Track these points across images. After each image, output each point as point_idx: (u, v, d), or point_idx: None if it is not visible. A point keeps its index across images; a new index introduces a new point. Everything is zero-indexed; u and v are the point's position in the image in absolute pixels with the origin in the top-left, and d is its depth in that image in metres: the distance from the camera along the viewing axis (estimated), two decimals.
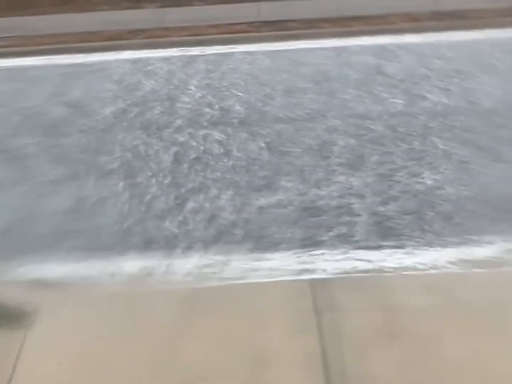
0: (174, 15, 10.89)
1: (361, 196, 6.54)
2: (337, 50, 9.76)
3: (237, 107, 8.42)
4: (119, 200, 6.73)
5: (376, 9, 10.53)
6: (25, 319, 5.06)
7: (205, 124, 8.09)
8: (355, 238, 5.97)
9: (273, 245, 5.94)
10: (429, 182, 6.71)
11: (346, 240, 5.96)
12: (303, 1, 10.90)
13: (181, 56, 9.95)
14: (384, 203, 6.43)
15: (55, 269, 5.71)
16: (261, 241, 6.03)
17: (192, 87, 9.02)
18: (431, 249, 5.78)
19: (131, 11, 11.06)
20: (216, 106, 8.47)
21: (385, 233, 6.04)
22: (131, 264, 5.76)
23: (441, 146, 7.29)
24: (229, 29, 10.42)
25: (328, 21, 10.45)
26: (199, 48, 10.08)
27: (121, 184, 6.98)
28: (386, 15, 10.44)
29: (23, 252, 5.99)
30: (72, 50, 10.24)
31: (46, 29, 10.87)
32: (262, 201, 6.58)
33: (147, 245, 6.06)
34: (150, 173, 7.13)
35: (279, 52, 9.85)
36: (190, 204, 6.59)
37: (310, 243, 5.96)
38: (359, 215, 6.28)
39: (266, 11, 10.80)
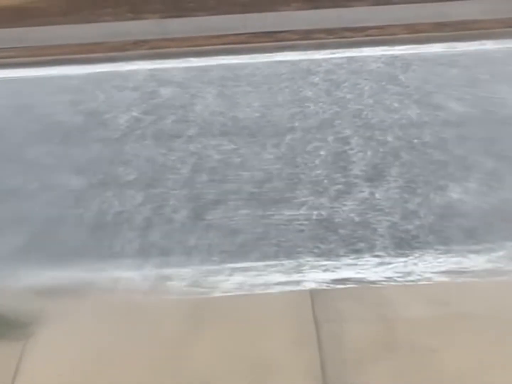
0: (177, 26, 10.91)
1: (380, 209, 6.52)
2: (347, 59, 9.81)
3: (248, 117, 8.44)
4: (135, 211, 6.73)
5: (378, 20, 10.54)
6: (25, 329, 5.04)
7: (217, 134, 8.10)
8: (371, 251, 5.95)
9: (281, 257, 5.94)
10: (450, 194, 6.67)
11: (359, 253, 5.96)
12: (304, 11, 10.92)
13: (191, 66, 10.01)
14: (403, 216, 6.40)
15: (57, 278, 5.70)
16: (273, 254, 6.02)
17: (207, 96, 9.05)
18: (435, 260, 5.77)
19: (134, 22, 11.08)
20: (228, 116, 8.49)
21: (399, 246, 6.02)
22: (137, 274, 5.77)
23: (460, 157, 7.25)
24: (232, 39, 10.44)
25: (329, 32, 10.47)
26: (204, 58, 10.12)
27: (139, 195, 6.98)
28: (387, 26, 10.46)
29: (27, 261, 5.99)
30: (75, 61, 10.30)
31: (50, 40, 10.89)
32: (279, 213, 6.55)
33: (158, 255, 6.07)
34: (167, 184, 7.14)
35: (286, 62, 9.88)
36: (205, 217, 6.58)
37: (320, 255, 5.95)
38: (376, 229, 6.25)
39: (268, 22, 10.81)
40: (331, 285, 5.49)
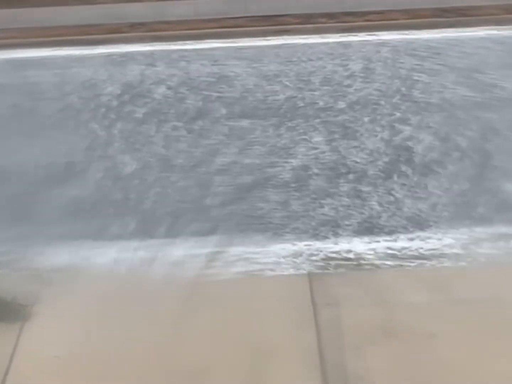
0: (174, 9, 10.85)
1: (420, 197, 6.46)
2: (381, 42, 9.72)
3: (286, 97, 8.32)
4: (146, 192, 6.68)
5: (378, 6, 10.49)
6: (21, 312, 5.04)
7: (259, 115, 7.99)
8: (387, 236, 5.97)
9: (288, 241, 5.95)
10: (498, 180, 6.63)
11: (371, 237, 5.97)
12: None
13: (217, 47, 9.90)
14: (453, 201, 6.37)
15: (55, 260, 5.68)
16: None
17: (239, 73, 9.00)
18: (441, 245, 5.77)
19: (130, 4, 11.02)
20: (268, 98, 8.37)
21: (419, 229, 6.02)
22: (135, 256, 5.74)
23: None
24: (231, 23, 10.39)
25: (329, 16, 10.42)
26: (224, 40, 10.00)
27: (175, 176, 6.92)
28: (387, 11, 10.40)
29: (27, 243, 5.95)
30: (71, 42, 10.21)
31: (45, 22, 10.82)
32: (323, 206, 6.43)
33: (160, 237, 6.05)
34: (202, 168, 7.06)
35: (310, 45, 9.75)
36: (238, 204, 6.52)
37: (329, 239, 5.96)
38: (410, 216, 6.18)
39: (266, 5, 10.76)
40: (332, 269, 5.49)
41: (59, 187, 6.80)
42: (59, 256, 5.74)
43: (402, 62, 9.12)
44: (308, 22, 10.33)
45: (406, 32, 9.86)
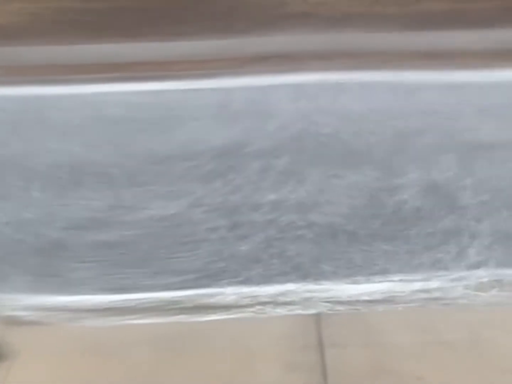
0: (175, 49, 10.94)
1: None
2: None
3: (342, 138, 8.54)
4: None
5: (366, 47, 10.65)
6: (2, 359, 4.94)
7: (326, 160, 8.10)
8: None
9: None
10: None
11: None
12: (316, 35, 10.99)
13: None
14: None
15: (30, 308, 5.64)
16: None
17: (283, 109, 9.19)
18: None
19: (131, 44, 11.10)
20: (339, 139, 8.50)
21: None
22: (112, 301, 5.74)
23: None
24: (230, 63, 10.50)
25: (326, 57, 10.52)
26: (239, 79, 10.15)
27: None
28: (375, 52, 10.52)
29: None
30: (74, 81, 10.34)
31: (41, 60, 10.91)
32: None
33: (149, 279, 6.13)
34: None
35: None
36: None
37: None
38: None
39: (259, 46, 10.87)
40: (325, 311, 5.54)
41: None
42: (35, 303, 5.71)
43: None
44: (297, 61, 10.49)
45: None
